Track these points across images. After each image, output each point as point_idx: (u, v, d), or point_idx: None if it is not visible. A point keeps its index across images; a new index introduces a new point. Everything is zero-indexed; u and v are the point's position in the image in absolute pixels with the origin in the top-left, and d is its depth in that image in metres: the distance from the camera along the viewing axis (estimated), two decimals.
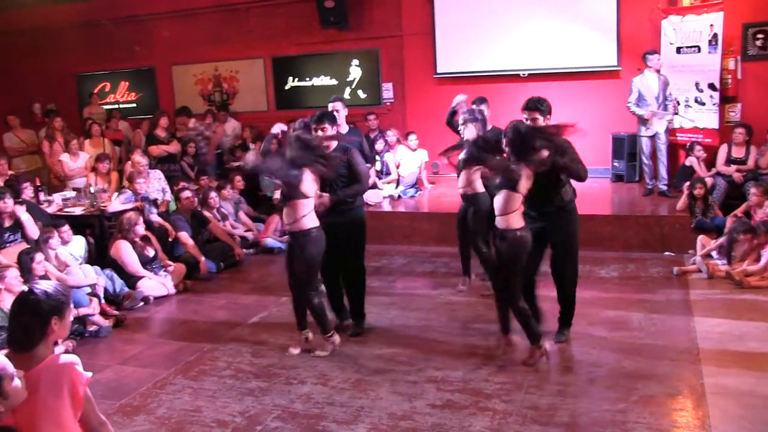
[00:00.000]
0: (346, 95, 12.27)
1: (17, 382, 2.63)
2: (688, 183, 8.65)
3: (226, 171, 11.44)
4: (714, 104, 9.71)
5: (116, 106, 13.90)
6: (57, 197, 9.07)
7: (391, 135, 10.85)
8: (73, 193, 9.33)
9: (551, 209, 5.39)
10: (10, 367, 2.62)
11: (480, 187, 6.64)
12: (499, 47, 11.26)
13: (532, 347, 5.27)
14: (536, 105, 5.43)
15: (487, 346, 5.67)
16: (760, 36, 9.84)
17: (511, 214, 5.03)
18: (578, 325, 5.76)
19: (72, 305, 3.17)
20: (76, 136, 10.98)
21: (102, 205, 8.62)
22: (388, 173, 10.65)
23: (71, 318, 3.24)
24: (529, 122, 5.37)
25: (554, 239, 5.48)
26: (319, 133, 5.79)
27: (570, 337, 5.68)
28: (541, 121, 5.38)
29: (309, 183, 5.47)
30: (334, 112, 6.50)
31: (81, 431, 2.90)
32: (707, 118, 9.81)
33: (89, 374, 2.92)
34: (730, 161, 9.29)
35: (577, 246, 5.62)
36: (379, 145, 10.80)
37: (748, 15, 9.85)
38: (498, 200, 5.10)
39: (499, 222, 5.09)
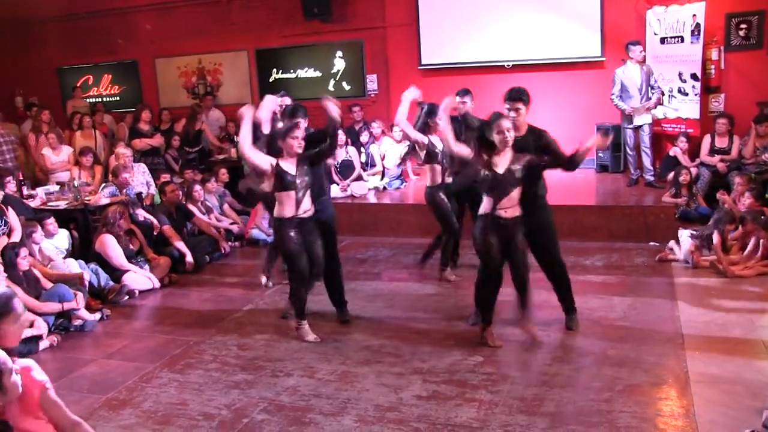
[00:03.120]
0: (331, 87, 12.26)
1: (15, 378, 2.59)
2: (673, 172, 8.76)
3: (211, 164, 11.41)
4: (696, 94, 9.76)
5: (99, 100, 13.83)
6: (40, 191, 9.00)
7: (376, 127, 10.86)
8: (56, 187, 9.26)
9: (525, 204, 5.38)
10: (9, 362, 2.58)
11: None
12: (483, 38, 11.24)
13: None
14: (519, 95, 5.45)
15: (472, 337, 5.70)
16: (743, 26, 9.87)
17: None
18: (563, 315, 5.78)
19: (20, 311, 3.11)
20: (62, 130, 10.92)
21: (86, 198, 8.56)
22: (373, 165, 10.65)
23: (22, 322, 3.16)
24: (511, 113, 5.39)
25: (531, 231, 5.45)
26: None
27: (576, 325, 5.76)
28: (523, 111, 5.42)
29: None
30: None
31: None
32: (689, 108, 9.87)
33: (45, 378, 2.86)
34: (713, 151, 9.35)
35: (555, 234, 5.69)
36: (364, 137, 10.81)
37: (731, 5, 9.89)
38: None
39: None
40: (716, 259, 7.06)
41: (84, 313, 6.36)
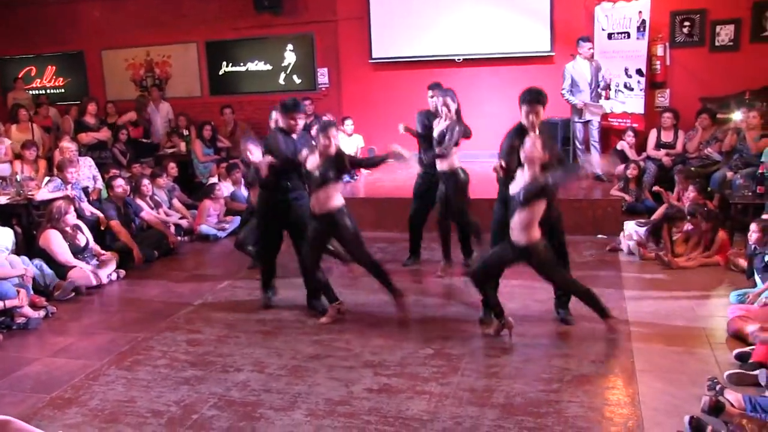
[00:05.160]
0: (281, 81, 12.21)
1: None
2: (622, 166, 8.97)
3: (160, 158, 11.26)
4: (641, 90, 9.97)
5: (43, 92, 13.53)
6: None
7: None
8: None
9: None
10: None
11: (456, 163, 6.79)
12: (434, 32, 11.30)
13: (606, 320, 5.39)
14: (540, 98, 5.34)
15: (423, 330, 5.74)
16: (686, 23, 10.11)
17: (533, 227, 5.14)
18: (512, 308, 5.84)
19: None
20: (2, 123, 10.64)
21: (29, 193, 8.37)
22: None
23: None
24: (531, 116, 5.31)
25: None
26: (296, 121, 6.24)
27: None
28: (543, 112, 5.35)
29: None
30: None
31: None
32: (634, 103, 10.07)
33: None
34: (659, 146, 9.55)
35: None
36: (315, 131, 10.74)
37: (675, 3, 10.13)
38: (522, 215, 5.10)
39: (522, 237, 5.15)
40: (663, 252, 7.21)
41: (27, 310, 6.21)
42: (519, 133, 5.37)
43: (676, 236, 7.48)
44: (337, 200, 5.86)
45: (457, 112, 6.77)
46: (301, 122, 6.29)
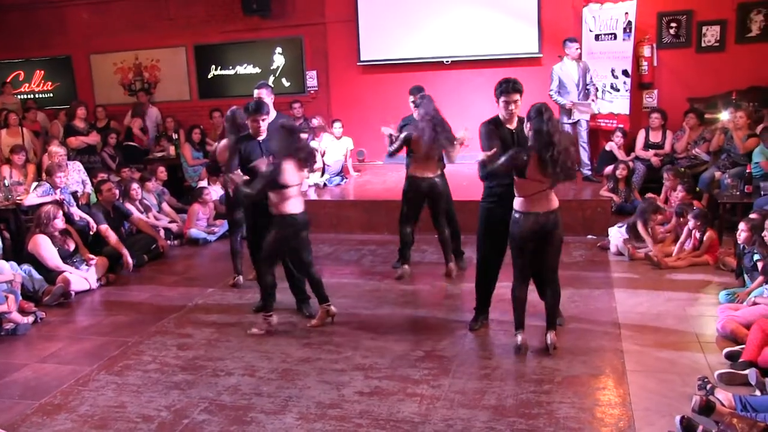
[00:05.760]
0: (270, 84, 12.14)
1: None
2: (611, 167, 9.01)
3: (149, 162, 11.22)
4: (627, 90, 10.01)
5: (32, 96, 13.46)
6: None
7: (316, 123, 10.81)
8: None
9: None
10: None
11: (418, 172, 6.92)
12: (422, 35, 11.31)
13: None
14: (517, 87, 5.29)
15: (413, 332, 5.75)
16: (673, 25, 10.17)
17: (517, 198, 5.03)
18: (502, 309, 5.84)
19: None
20: None
21: (18, 198, 8.33)
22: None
23: None
24: (511, 107, 5.29)
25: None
26: (259, 123, 6.16)
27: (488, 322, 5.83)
28: (520, 102, 5.32)
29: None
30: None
31: None
32: (620, 104, 10.11)
33: None
34: (647, 146, 9.59)
35: None
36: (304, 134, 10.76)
37: (662, 4, 10.19)
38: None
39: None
40: (652, 252, 7.23)
41: (16, 316, 6.17)
42: (495, 122, 5.38)
43: (663, 236, 7.53)
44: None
45: (433, 117, 6.69)
46: (264, 124, 6.21)
